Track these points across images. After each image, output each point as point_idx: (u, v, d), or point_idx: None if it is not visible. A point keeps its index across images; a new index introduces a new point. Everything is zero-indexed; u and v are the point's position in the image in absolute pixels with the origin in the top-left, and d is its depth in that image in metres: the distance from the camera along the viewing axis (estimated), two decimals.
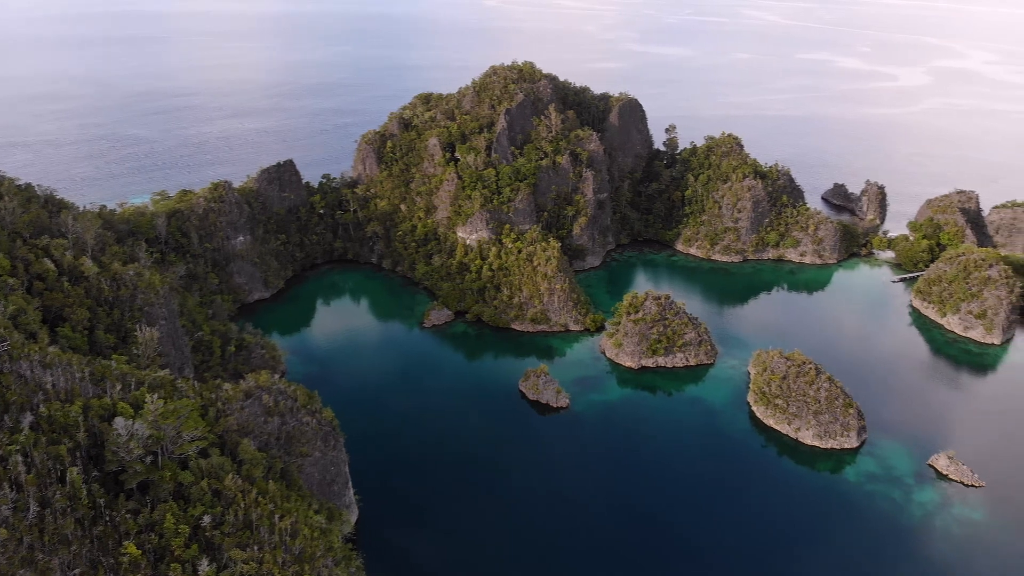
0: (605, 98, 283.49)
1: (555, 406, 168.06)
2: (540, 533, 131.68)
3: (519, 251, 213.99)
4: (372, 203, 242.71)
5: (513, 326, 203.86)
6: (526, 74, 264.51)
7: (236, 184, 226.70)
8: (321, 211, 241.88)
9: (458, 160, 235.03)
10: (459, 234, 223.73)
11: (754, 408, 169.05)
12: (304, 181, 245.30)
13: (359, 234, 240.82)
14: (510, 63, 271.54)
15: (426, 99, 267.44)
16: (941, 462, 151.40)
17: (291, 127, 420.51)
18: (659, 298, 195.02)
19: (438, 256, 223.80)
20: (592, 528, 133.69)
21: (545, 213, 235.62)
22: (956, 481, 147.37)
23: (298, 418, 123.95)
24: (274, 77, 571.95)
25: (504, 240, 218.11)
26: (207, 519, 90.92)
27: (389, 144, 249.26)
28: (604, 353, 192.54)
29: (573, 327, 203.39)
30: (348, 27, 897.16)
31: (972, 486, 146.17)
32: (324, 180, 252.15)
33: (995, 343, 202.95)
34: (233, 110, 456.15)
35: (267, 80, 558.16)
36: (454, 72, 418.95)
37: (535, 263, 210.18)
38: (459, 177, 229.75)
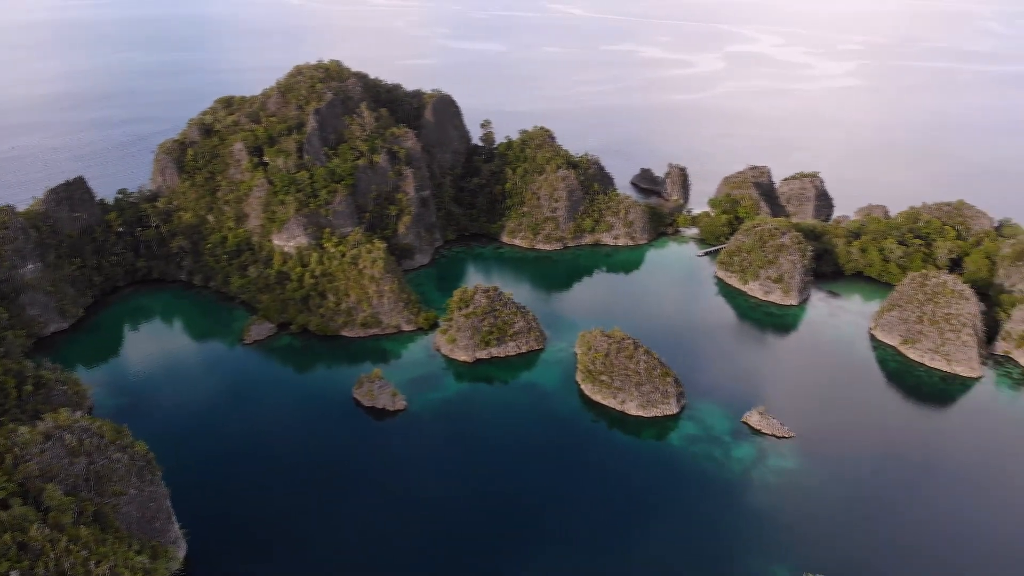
0: (418, 95, 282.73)
1: (392, 409, 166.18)
2: (391, 539, 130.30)
3: (342, 255, 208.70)
4: (176, 216, 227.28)
5: (343, 333, 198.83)
6: (333, 73, 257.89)
7: (20, 208, 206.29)
8: (119, 229, 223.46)
9: (267, 164, 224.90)
10: (275, 242, 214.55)
11: (582, 386, 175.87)
12: (98, 198, 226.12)
13: (164, 250, 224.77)
14: (316, 62, 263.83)
15: (227, 103, 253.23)
16: (754, 418, 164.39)
17: (82, 141, 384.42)
18: (488, 290, 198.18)
19: (254, 267, 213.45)
20: (443, 523, 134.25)
21: (367, 214, 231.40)
22: (768, 435, 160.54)
23: (107, 455, 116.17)
24: (58, 87, 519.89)
25: (325, 245, 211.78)
26: (14, 575, 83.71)
27: (190, 152, 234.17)
28: (439, 350, 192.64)
29: (406, 327, 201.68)
30: (137, 31, 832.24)
31: (783, 437, 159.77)
32: (120, 196, 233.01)
33: (793, 304, 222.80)
34: (13, 127, 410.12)
35: (50, 92, 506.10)
36: (256, 73, 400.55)
37: (360, 266, 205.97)
38: (269, 182, 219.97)
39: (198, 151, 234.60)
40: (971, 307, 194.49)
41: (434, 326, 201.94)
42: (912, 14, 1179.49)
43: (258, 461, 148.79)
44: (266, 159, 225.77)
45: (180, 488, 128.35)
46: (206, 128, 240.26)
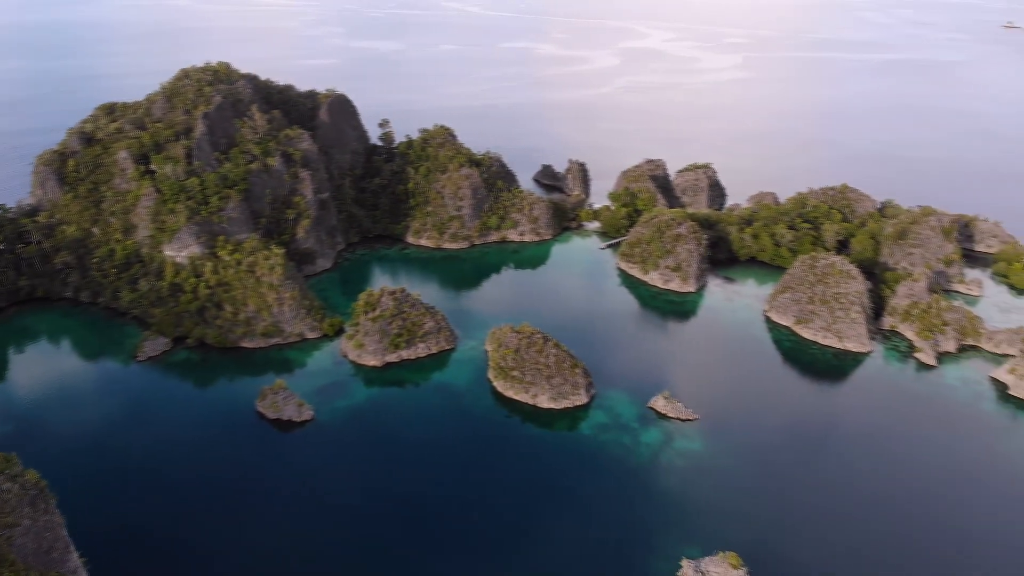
0: (312, 95, 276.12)
1: (298, 420, 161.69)
2: (302, 552, 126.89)
3: (238, 263, 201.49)
4: (59, 230, 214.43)
5: (243, 344, 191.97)
6: (222, 75, 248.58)
7: None
8: None
9: (154, 172, 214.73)
10: (166, 252, 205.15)
11: (495, 383, 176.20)
12: None
13: (47, 267, 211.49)
14: (203, 64, 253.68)
15: (109, 110, 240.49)
16: (659, 403, 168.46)
17: None
18: (394, 292, 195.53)
19: (145, 280, 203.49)
20: (356, 533, 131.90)
21: (263, 219, 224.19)
22: (674, 418, 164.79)
23: None
24: None
25: (220, 253, 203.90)
26: None
27: (71, 163, 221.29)
28: (346, 356, 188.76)
29: (310, 335, 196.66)
30: (14, 38, 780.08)
31: (688, 420, 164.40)
32: None
33: (691, 291, 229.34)
34: None
35: None
36: (140, 78, 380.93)
37: (258, 273, 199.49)
38: (158, 190, 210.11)
39: (80, 161, 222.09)
40: (858, 285, 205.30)
41: (340, 332, 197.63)
42: (795, 7, 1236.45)
43: (159, 482, 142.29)
44: (153, 167, 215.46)
45: (78, 515, 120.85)
46: (87, 137, 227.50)
